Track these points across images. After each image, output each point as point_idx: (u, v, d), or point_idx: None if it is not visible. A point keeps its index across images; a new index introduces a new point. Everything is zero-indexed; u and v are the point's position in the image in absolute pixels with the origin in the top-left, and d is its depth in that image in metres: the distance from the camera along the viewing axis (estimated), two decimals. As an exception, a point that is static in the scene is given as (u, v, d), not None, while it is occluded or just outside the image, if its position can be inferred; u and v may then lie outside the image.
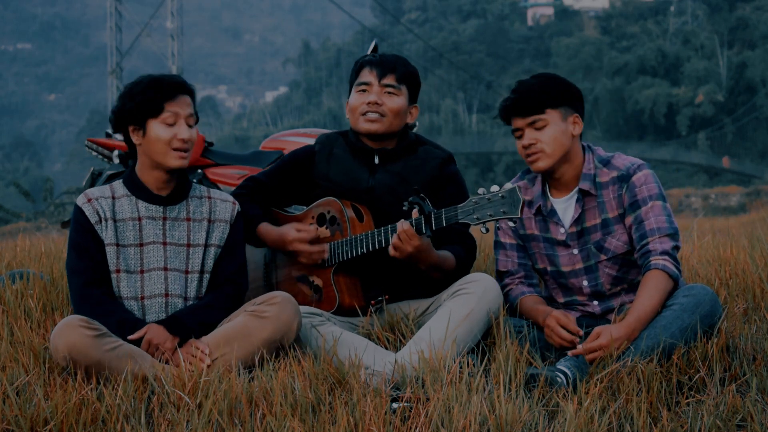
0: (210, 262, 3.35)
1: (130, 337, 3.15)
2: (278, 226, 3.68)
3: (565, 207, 3.48)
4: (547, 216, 3.49)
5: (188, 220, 3.35)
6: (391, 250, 3.30)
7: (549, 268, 3.53)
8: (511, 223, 3.54)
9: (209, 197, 3.42)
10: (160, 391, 2.87)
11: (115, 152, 5.48)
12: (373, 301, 3.52)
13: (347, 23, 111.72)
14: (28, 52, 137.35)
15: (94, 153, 5.55)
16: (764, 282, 4.02)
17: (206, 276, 3.35)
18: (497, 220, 3.07)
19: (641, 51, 73.34)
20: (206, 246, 3.35)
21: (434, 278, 3.45)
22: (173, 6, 40.11)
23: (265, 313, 3.20)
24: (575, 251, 3.46)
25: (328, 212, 3.56)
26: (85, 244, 3.26)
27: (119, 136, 5.44)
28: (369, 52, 4.89)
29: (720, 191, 35.59)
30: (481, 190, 3.11)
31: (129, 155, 5.46)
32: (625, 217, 3.40)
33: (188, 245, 3.34)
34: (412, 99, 3.67)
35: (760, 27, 70.92)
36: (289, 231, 3.54)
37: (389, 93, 3.60)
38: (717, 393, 2.97)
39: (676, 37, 78.43)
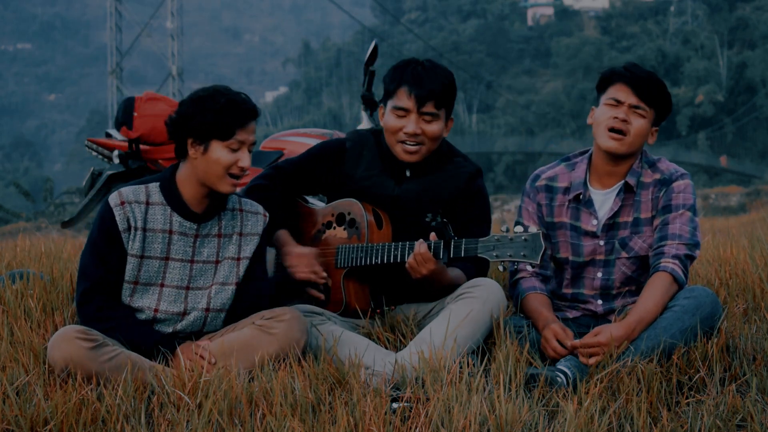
0: (241, 274, 3.28)
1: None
2: (298, 216, 3.66)
3: (604, 200, 3.50)
4: (583, 205, 3.51)
5: (219, 236, 3.27)
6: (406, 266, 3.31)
7: (570, 258, 3.53)
8: (529, 267, 3.53)
9: (240, 209, 3.33)
10: (160, 391, 2.87)
11: (115, 152, 5.46)
12: (378, 310, 3.53)
13: (347, 23, 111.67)
14: (28, 52, 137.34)
15: (94, 153, 5.53)
16: (764, 282, 4.02)
17: (233, 288, 3.27)
18: (516, 261, 3.12)
19: (641, 51, 73.33)
20: (239, 259, 3.28)
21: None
22: (173, 6, 40.14)
23: (272, 330, 3.16)
24: (601, 242, 3.48)
25: (349, 214, 3.54)
26: (105, 250, 3.16)
27: (119, 136, 5.45)
28: (369, 53, 4.88)
29: (720, 191, 35.57)
30: (504, 227, 3.13)
31: (129, 155, 5.49)
32: (655, 219, 3.43)
33: (217, 261, 3.27)
34: (448, 114, 3.56)
35: (760, 27, 70.94)
36: (293, 250, 3.50)
37: (427, 121, 3.48)
38: (717, 393, 2.98)
39: (676, 37, 78.45)
